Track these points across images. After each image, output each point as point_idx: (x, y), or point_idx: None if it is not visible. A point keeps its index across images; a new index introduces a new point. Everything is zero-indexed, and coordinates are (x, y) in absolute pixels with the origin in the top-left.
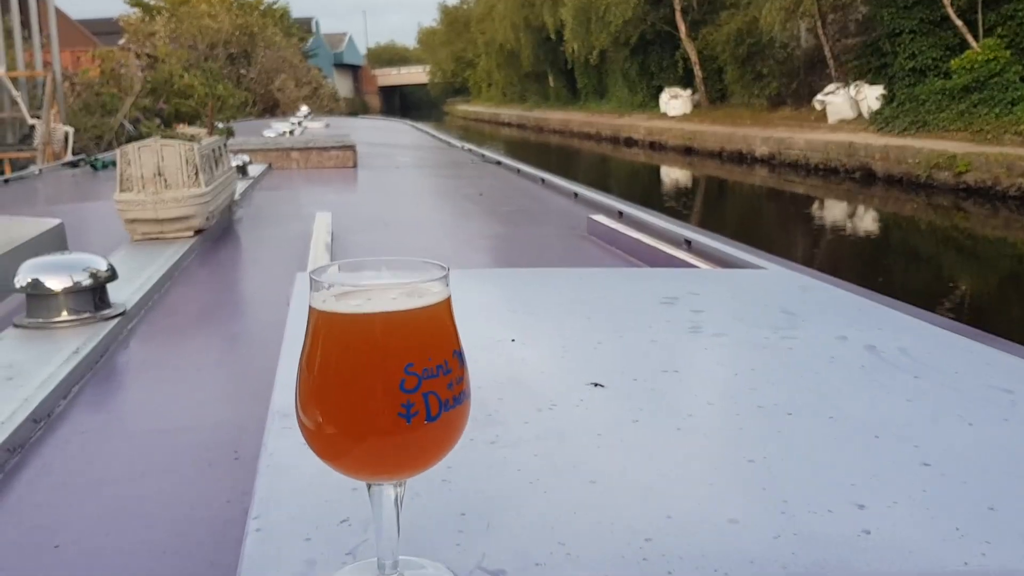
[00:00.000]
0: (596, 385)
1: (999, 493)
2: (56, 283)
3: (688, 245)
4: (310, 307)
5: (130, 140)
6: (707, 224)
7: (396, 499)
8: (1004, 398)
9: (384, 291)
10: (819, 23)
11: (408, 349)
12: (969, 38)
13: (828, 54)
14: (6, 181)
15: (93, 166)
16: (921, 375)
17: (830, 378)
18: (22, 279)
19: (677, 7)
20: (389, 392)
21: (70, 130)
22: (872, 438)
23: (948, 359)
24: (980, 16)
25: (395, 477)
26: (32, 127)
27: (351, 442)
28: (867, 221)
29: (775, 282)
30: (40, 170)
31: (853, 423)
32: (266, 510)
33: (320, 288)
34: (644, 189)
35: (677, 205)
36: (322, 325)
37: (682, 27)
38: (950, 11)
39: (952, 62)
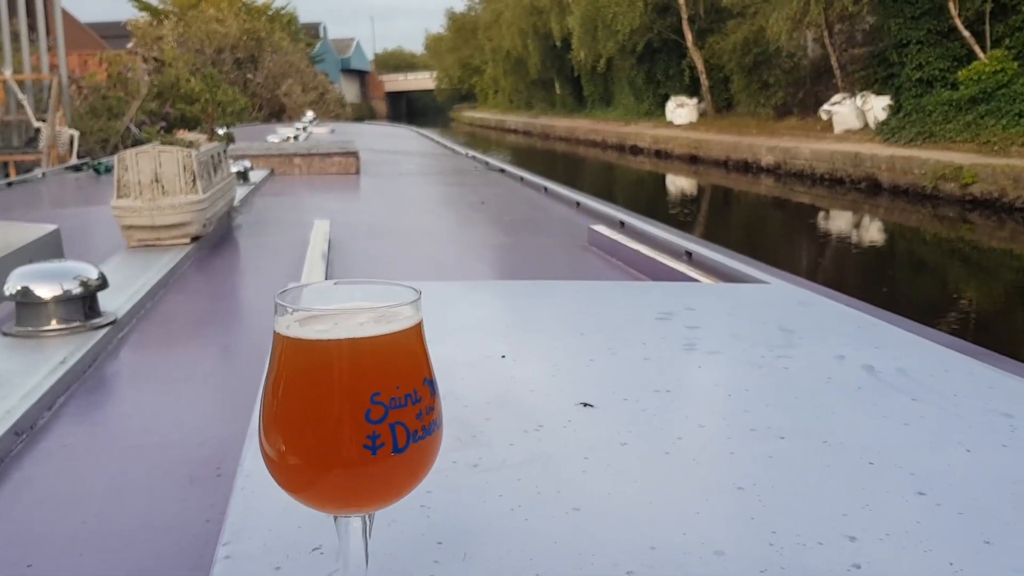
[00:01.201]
0: (585, 405)
1: (996, 526)
2: (46, 291)
3: (689, 257)
4: (274, 332)
5: (135, 144)
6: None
7: (364, 530)
8: (1004, 423)
9: (351, 316)
10: (826, 33)
11: (375, 377)
12: (976, 49)
13: (835, 64)
14: (9, 184)
15: (96, 170)
16: (919, 397)
17: (826, 400)
18: (11, 287)
19: (684, 16)
20: (354, 422)
21: (75, 133)
22: (866, 464)
23: (947, 380)
24: (988, 27)
25: (361, 510)
26: (38, 130)
27: (315, 474)
28: (872, 232)
29: (774, 297)
30: (43, 174)
31: (847, 448)
32: (237, 536)
33: (284, 312)
34: (649, 197)
35: (682, 214)
36: (286, 351)
37: (689, 36)
38: (958, 22)
39: (959, 73)
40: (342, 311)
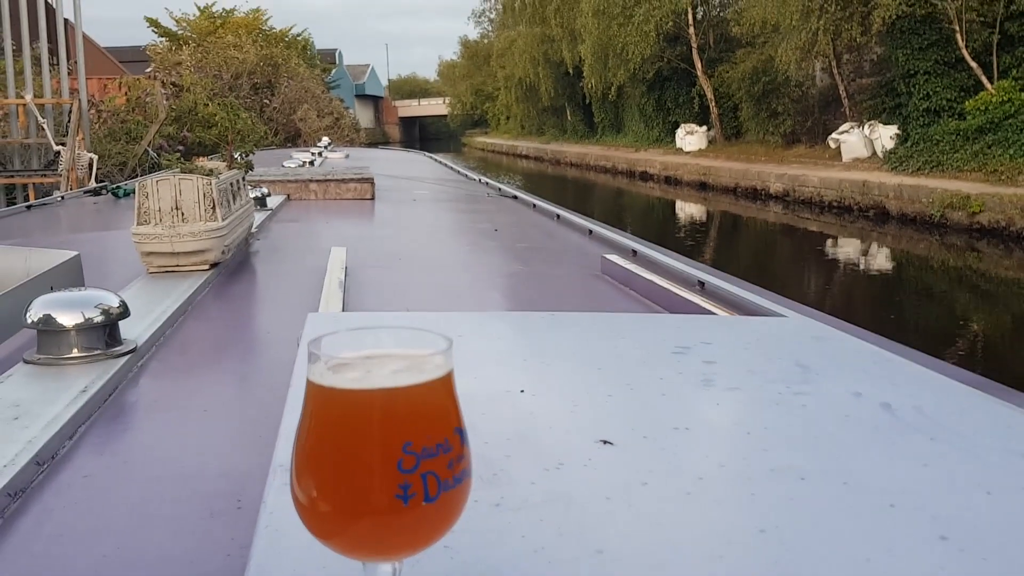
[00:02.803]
0: (605, 443)
1: (1019, 571)
2: (67, 319)
3: (701, 287)
4: (307, 379)
5: (153, 168)
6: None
7: (394, 574)
8: (1023, 464)
9: (383, 363)
10: (834, 63)
11: (407, 427)
12: (984, 80)
13: (843, 93)
14: (28, 207)
15: (115, 194)
16: (937, 437)
17: (844, 439)
18: (34, 314)
19: (694, 45)
20: (386, 472)
21: (94, 157)
22: (887, 506)
23: (966, 420)
24: (995, 58)
25: (391, 558)
26: (57, 153)
27: (346, 522)
28: (880, 259)
29: (789, 331)
30: (62, 197)
31: (868, 490)
32: (261, 574)
33: (316, 361)
34: (659, 223)
35: (691, 240)
36: (318, 398)
37: (698, 65)
38: (965, 53)
39: (967, 103)
40: (375, 357)
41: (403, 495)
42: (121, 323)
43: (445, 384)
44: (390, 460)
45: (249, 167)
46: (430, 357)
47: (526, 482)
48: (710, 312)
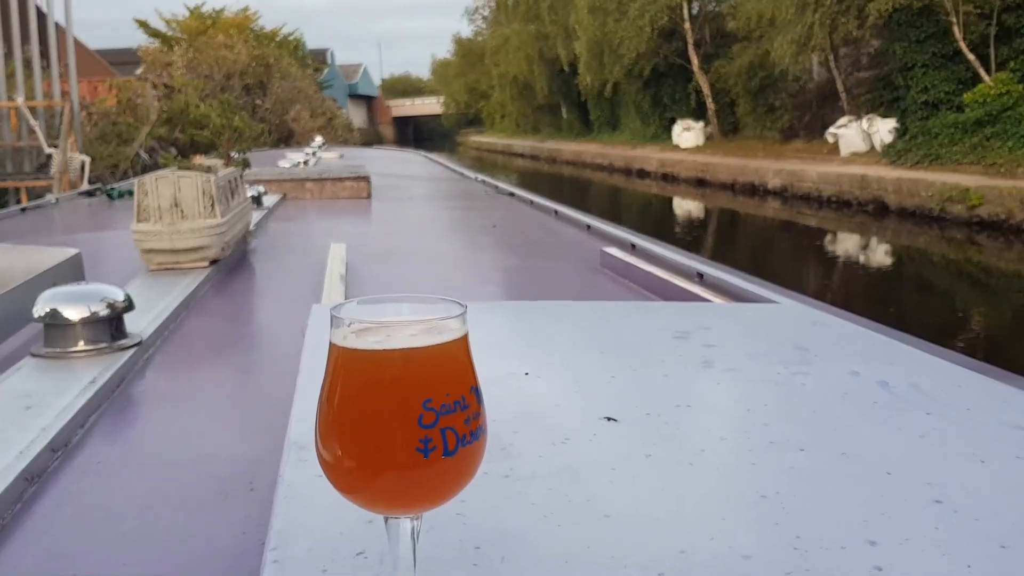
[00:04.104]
0: (609, 419)
1: (1011, 531)
2: (74, 313)
3: (700, 278)
4: (331, 343)
5: (145, 169)
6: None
7: (413, 532)
8: (1017, 435)
9: (403, 328)
10: (831, 57)
11: (426, 385)
12: (982, 72)
13: (840, 87)
14: (23, 210)
15: (109, 195)
16: (933, 411)
17: (842, 414)
18: (40, 309)
19: (689, 40)
20: (407, 427)
21: (87, 159)
22: (884, 475)
23: (961, 395)
24: (993, 50)
25: (412, 510)
26: (49, 156)
27: (370, 476)
28: (880, 253)
29: (787, 317)
30: (57, 199)
31: (865, 460)
32: (283, 542)
33: (340, 325)
34: (656, 221)
35: (690, 237)
36: (342, 361)
37: (694, 60)
38: (962, 45)
39: (965, 96)
40: (395, 323)
41: (424, 449)
42: (125, 318)
43: (461, 345)
44: (411, 416)
45: (246, 164)
46: (447, 321)
47: (534, 455)
48: (709, 301)
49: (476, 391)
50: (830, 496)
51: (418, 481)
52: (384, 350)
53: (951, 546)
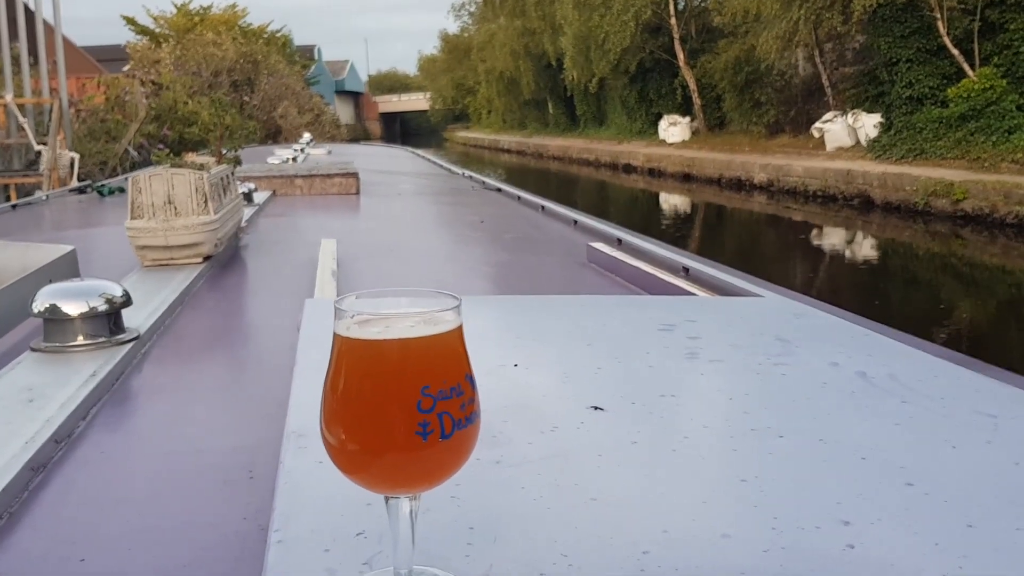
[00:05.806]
0: (596, 408)
1: (978, 511)
2: (73, 308)
3: (686, 272)
4: (334, 333)
5: (134, 166)
6: (707, 250)
7: (411, 512)
8: (988, 422)
9: (402, 319)
10: (816, 52)
11: (424, 373)
12: (966, 67)
13: (826, 82)
14: (14, 207)
15: (100, 192)
16: (909, 400)
17: (821, 403)
18: (39, 304)
19: (676, 36)
20: (407, 412)
21: (76, 156)
22: (859, 460)
23: (936, 385)
24: (976, 46)
25: (411, 490)
26: (38, 153)
27: (372, 457)
28: (865, 247)
29: (770, 310)
30: (47, 196)
31: (842, 445)
32: (286, 524)
33: (343, 316)
34: (643, 215)
35: (677, 231)
36: (345, 350)
37: (680, 55)
38: (947, 41)
39: (949, 91)
40: (394, 315)
41: (422, 432)
42: (122, 313)
43: (456, 336)
44: (410, 401)
45: (238, 161)
46: (443, 313)
47: (523, 443)
48: (694, 294)
49: (470, 379)
50: (807, 479)
51: (417, 462)
52: (385, 339)
53: (920, 526)
